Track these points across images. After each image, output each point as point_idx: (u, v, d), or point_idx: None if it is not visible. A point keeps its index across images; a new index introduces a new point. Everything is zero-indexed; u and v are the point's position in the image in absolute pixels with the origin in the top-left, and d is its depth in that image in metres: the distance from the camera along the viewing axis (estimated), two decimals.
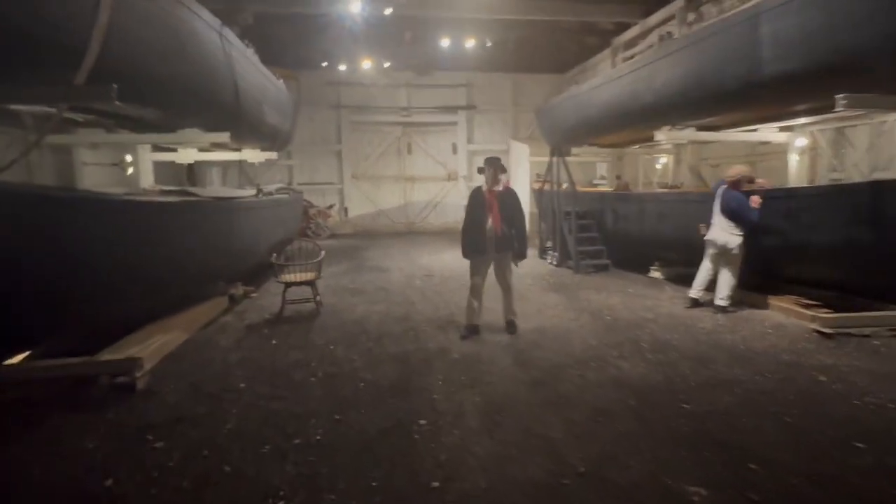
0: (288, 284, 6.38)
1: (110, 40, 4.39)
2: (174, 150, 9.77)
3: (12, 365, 4.03)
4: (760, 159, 9.62)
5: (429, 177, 17.71)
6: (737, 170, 6.04)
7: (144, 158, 10.01)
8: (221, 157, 10.26)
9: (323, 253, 6.75)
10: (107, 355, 4.25)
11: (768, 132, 7.95)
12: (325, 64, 15.87)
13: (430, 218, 17.61)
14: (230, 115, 6.89)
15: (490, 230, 5.20)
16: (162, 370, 4.47)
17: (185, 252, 5.26)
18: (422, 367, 4.59)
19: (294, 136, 15.23)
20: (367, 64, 15.40)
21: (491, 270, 5.47)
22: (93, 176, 9.48)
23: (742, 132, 8.00)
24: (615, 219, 9.12)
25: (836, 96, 4.74)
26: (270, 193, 8.68)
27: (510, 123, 17.65)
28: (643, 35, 12.38)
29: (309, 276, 6.50)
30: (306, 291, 6.55)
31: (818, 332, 5.17)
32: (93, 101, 4.41)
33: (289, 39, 14.39)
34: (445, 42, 14.09)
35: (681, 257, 7.89)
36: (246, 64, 7.27)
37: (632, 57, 11.93)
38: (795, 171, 8.16)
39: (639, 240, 8.49)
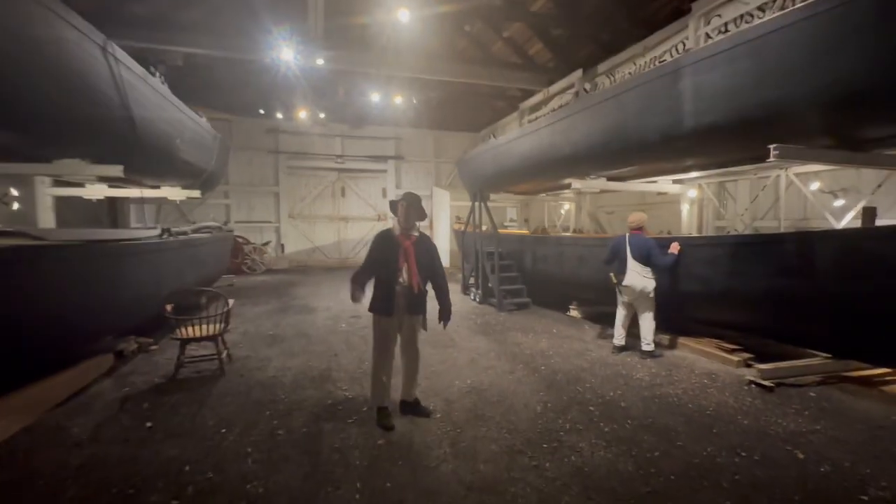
0: (185, 341, 4.41)
1: None
2: (81, 184, 7.37)
3: None
4: (650, 208, 8.98)
5: (361, 217, 15.97)
6: (638, 216, 5.04)
7: (42, 193, 7.48)
8: (136, 193, 7.96)
9: (231, 302, 4.84)
10: None
11: (665, 184, 7.20)
12: (262, 111, 13.85)
13: (362, 253, 15.67)
14: (123, 146, 4.86)
15: (404, 285, 3.39)
16: None
17: (22, 311, 3.20)
18: (336, 463, 2.88)
19: (227, 177, 12.99)
20: (303, 114, 13.58)
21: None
22: None
23: (643, 183, 7.19)
24: (534, 260, 7.92)
25: (770, 146, 3.79)
26: (184, 233, 6.53)
27: (433, 173, 16.48)
28: (546, 101, 11.77)
29: (211, 329, 4.55)
30: (212, 345, 4.62)
31: (756, 384, 4.11)
32: None
33: (226, 85, 12.27)
34: (376, 97, 12.66)
35: (597, 297, 6.79)
36: (148, 91, 5.27)
37: (536, 119, 11.17)
38: (687, 219, 7.48)
39: (558, 280, 7.31)
